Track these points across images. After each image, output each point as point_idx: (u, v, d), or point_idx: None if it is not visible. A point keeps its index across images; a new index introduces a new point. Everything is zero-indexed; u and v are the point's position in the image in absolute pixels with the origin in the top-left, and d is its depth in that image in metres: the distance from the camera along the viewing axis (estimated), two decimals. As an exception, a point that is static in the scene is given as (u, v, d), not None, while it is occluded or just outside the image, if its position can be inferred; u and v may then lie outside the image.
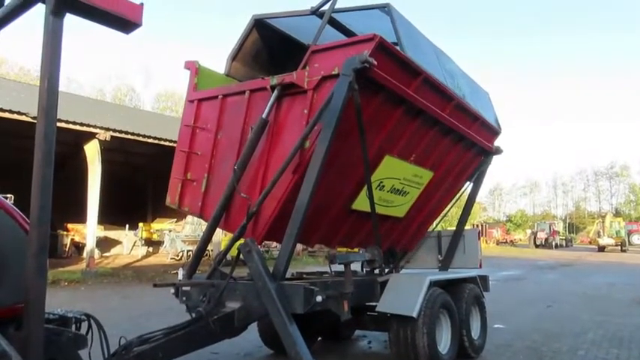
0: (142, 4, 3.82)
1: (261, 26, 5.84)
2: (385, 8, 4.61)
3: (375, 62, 3.86)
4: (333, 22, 5.37)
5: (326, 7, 5.02)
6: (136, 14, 3.76)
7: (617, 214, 62.86)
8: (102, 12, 3.51)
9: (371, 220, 5.15)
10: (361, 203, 5.04)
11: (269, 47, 6.10)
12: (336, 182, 4.54)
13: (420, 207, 6.08)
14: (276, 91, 4.46)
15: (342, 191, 4.83)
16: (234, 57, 6.02)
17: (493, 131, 6.54)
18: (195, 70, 5.57)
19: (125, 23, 3.77)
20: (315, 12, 5.14)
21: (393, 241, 6.13)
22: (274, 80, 4.48)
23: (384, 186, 5.17)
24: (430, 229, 6.88)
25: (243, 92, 4.85)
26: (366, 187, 4.82)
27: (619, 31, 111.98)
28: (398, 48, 4.42)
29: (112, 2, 3.57)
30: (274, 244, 23.06)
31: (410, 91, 4.53)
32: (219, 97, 5.10)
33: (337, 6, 4.97)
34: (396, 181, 5.33)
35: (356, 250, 5.99)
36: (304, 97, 4.33)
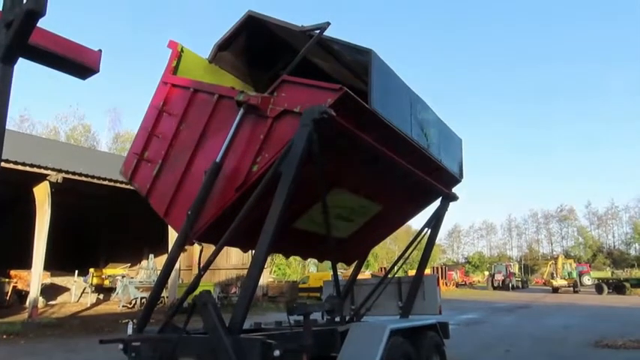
0: (99, 50, 3.78)
1: (253, 22, 5.74)
2: (367, 52, 4.60)
3: (334, 113, 3.94)
4: (322, 43, 5.29)
5: (315, 32, 5.00)
6: (94, 60, 3.72)
7: (568, 256, 65.24)
8: (58, 57, 3.44)
9: (309, 237, 5.59)
10: (303, 224, 5.36)
11: (257, 44, 6.11)
12: None
13: (363, 233, 6.40)
14: (241, 111, 4.51)
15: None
16: (221, 46, 6.03)
17: (453, 179, 6.71)
18: (177, 53, 5.60)
19: (82, 69, 3.71)
20: (305, 32, 5.14)
21: (333, 258, 6.37)
22: (241, 97, 4.52)
23: (328, 212, 5.24)
24: (391, 275, 6.89)
25: (213, 94, 4.90)
26: (309, 211, 5.17)
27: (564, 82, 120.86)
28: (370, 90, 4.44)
29: (68, 48, 3.52)
30: (233, 289, 22.46)
31: (369, 140, 4.61)
32: (191, 89, 5.15)
33: (328, 33, 4.99)
34: (342, 210, 5.61)
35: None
36: (264, 123, 4.41)
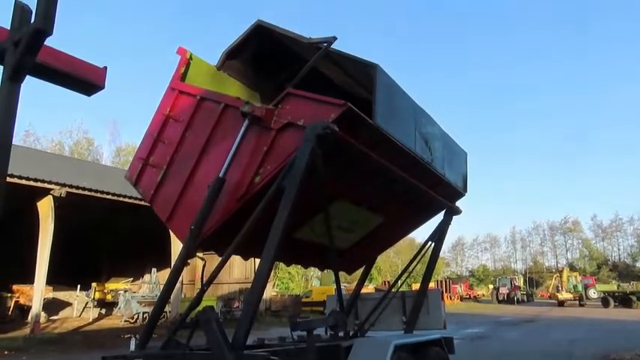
0: (105, 67, 3.83)
1: (262, 32, 5.75)
2: (373, 67, 4.58)
3: (337, 129, 3.96)
4: (328, 54, 5.25)
5: (322, 45, 5.00)
6: (100, 77, 3.76)
7: (573, 269, 64.59)
8: (64, 75, 3.48)
9: (310, 247, 5.64)
10: (303, 233, 5.40)
11: (265, 53, 6.14)
12: None
13: (365, 244, 6.44)
14: (246, 122, 4.55)
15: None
16: (229, 54, 6.09)
17: (456, 193, 6.68)
18: (186, 60, 5.68)
19: (88, 86, 3.75)
20: (312, 45, 5.14)
21: (334, 267, 6.29)
22: (246, 107, 4.55)
23: (330, 224, 5.24)
24: (395, 289, 6.84)
25: (219, 103, 4.95)
26: (310, 222, 5.22)
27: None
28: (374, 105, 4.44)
29: (74, 65, 3.56)
30: (236, 304, 22.31)
31: (372, 154, 4.63)
32: (198, 97, 5.20)
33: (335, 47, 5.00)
34: (343, 221, 5.63)
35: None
36: (268, 135, 4.44)
